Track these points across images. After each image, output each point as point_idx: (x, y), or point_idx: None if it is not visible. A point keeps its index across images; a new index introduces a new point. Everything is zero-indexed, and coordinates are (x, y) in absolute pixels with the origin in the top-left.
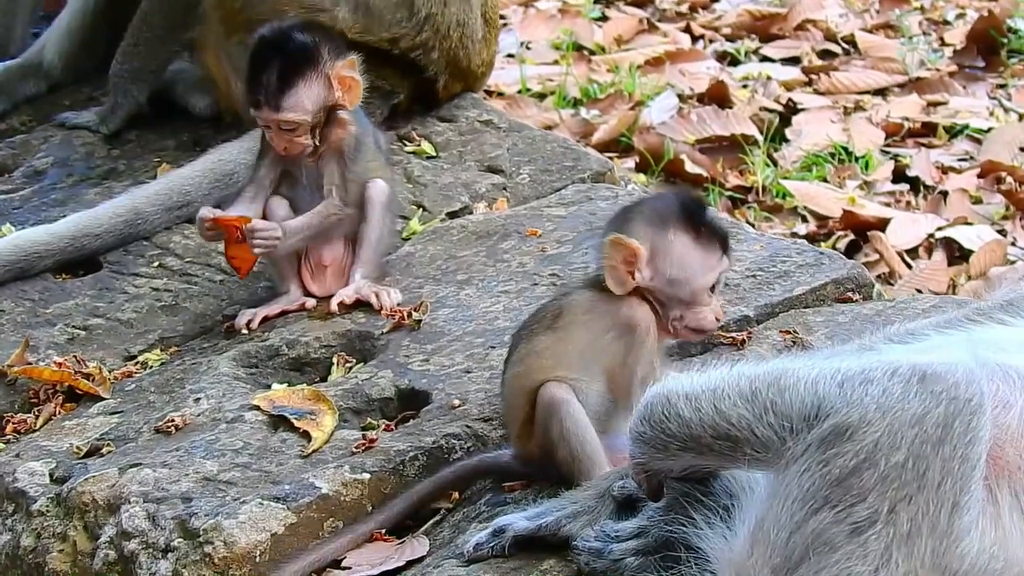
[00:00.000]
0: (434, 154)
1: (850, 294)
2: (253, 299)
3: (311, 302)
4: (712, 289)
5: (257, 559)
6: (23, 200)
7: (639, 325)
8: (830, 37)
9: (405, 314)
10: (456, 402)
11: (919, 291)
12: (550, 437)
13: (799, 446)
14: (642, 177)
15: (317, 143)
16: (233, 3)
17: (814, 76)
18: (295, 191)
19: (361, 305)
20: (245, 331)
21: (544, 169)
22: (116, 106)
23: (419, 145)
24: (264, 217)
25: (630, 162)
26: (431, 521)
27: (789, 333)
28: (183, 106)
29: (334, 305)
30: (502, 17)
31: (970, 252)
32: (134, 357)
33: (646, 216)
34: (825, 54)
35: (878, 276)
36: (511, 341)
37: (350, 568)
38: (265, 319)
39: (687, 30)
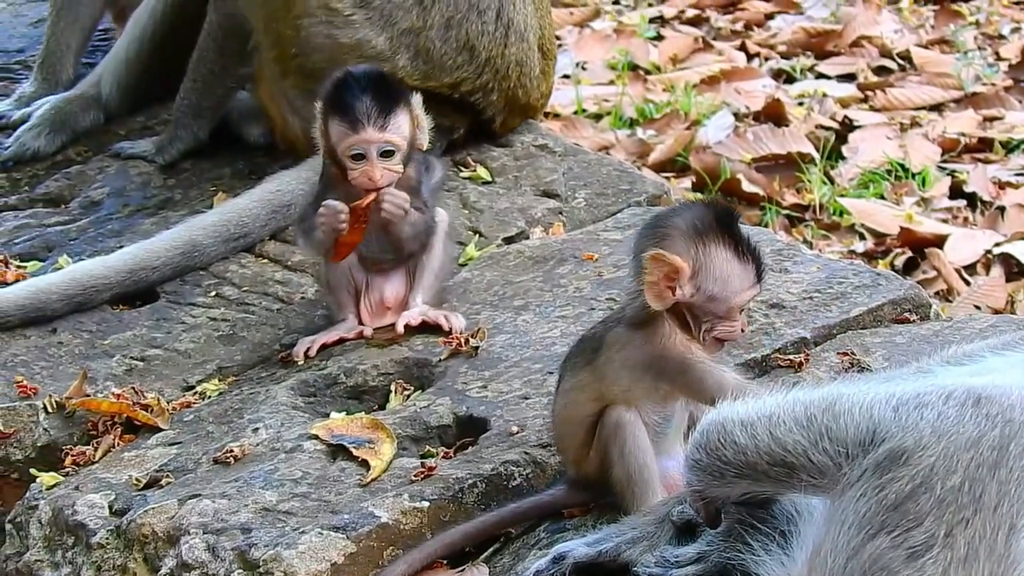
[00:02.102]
0: (490, 179)
1: (907, 315)
2: (310, 328)
3: (368, 330)
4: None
5: None
6: (80, 231)
7: (674, 359)
8: (885, 53)
9: (463, 341)
10: (515, 429)
11: (977, 307)
12: (610, 458)
13: (855, 471)
14: (698, 196)
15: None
16: (288, 48)
17: (870, 93)
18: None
19: (420, 332)
20: (301, 360)
21: (600, 193)
22: (175, 138)
23: (475, 170)
24: None
25: (687, 182)
26: (491, 549)
27: (847, 355)
28: (237, 134)
29: (400, 327)
30: (557, 38)
31: None
32: (192, 387)
33: (685, 230)
34: (880, 70)
35: (936, 293)
36: (559, 370)
37: None
38: (323, 347)
39: (742, 48)
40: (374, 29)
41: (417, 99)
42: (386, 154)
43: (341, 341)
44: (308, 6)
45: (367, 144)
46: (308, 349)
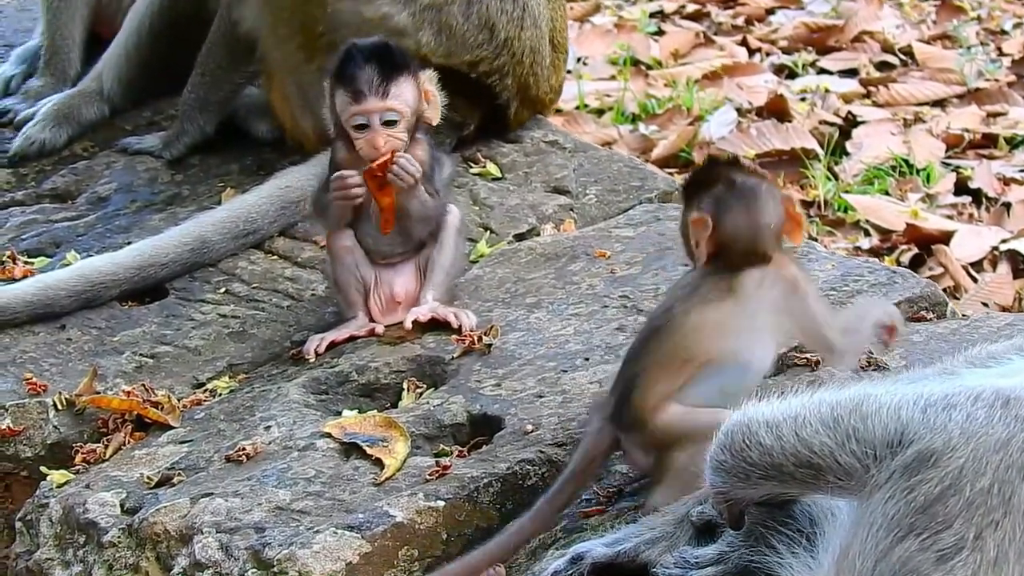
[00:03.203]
0: (500, 175)
1: (924, 313)
2: (321, 325)
3: (380, 328)
4: None
5: None
6: (87, 227)
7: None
8: (887, 48)
9: (476, 338)
10: (529, 427)
11: (985, 304)
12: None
13: (883, 473)
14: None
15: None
16: (316, 27)
17: (872, 88)
18: (359, 221)
19: (431, 329)
20: (312, 358)
21: (611, 189)
22: (182, 132)
23: (484, 167)
24: None
25: None
26: None
27: (864, 353)
28: (245, 130)
29: (408, 323)
30: None
31: None
32: (203, 385)
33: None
34: (883, 66)
35: (943, 289)
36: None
37: None
38: (332, 344)
39: (744, 43)
40: (397, 4)
41: (429, 73)
42: (389, 123)
43: (352, 339)
44: None
45: (369, 113)
46: (317, 346)
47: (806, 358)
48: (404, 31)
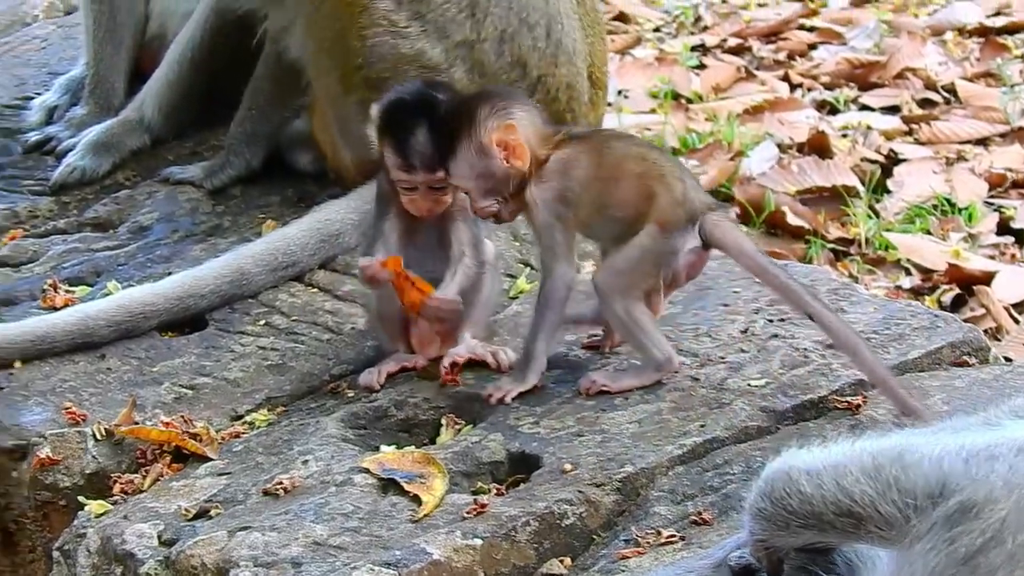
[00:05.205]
0: None
1: (966, 358)
2: (360, 359)
3: (422, 360)
4: None
5: None
6: (128, 256)
7: None
8: (930, 86)
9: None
10: (567, 466)
11: None
12: None
13: (924, 524)
14: (743, 229)
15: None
16: (353, 60)
17: (914, 125)
18: (410, 251)
19: (469, 366)
20: (377, 388)
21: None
22: (227, 164)
23: None
24: None
25: (731, 213)
26: None
27: None
28: (287, 162)
29: (446, 364)
30: None
31: None
32: (241, 417)
33: None
34: (925, 103)
35: (984, 331)
36: None
37: None
38: (388, 376)
39: (785, 78)
40: (430, 40)
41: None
42: (437, 188)
43: (403, 370)
44: (373, 18)
45: (415, 182)
46: (376, 378)
47: (847, 402)
48: (438, 67)
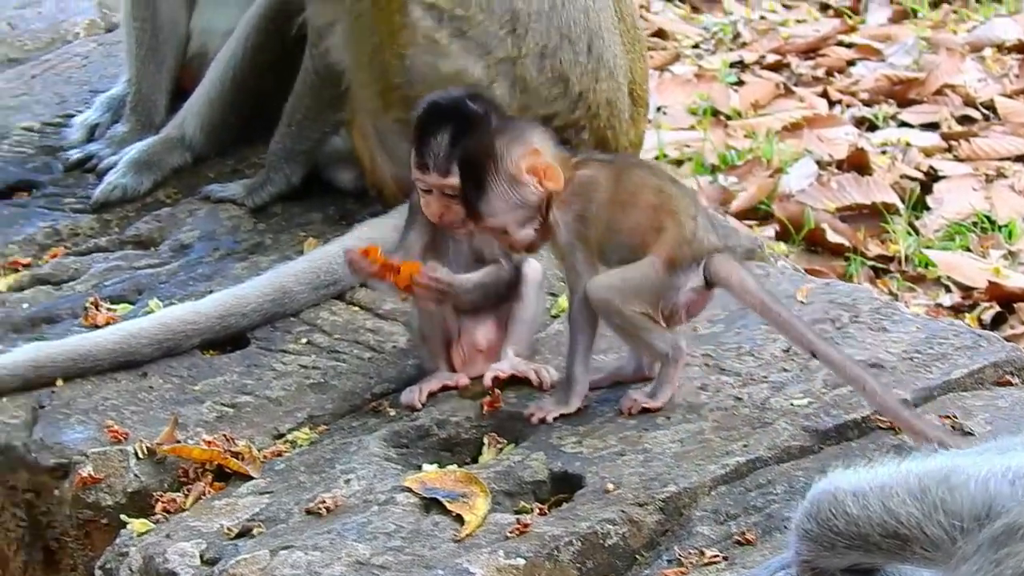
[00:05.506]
0: None
1: (1009, 377)
2: (402, 377)
3: (465, 379)
4: None
5: None
6: (169, 274)
7: None
8: (969, 102)
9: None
10: (610, 486)
11: None
12: None
13: (970, 546)
14: (782, 246)
15: None
16: (392, 79)
17: (954, 142)
18: (439, 263)
19: (511, 384)
20: (419, 406)
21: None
22: (267, 181)
23: None
24: None
25: (769, 230)
26: None
27: (948, 418)
28: (328, 179)
29: (488, 380)
30: None
31: None
32: (283, 435)
33: None
34: (964, 119)
35: None
36: None
37: None
38: (429, 395)
39: (824, 95)
40: (471, 58)
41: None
42: (451, 196)
43: (444, 389)
44: (414, 36)
45: (428, 184)
46: (418, 397)
47: (890, 421)
48: (479, 84)
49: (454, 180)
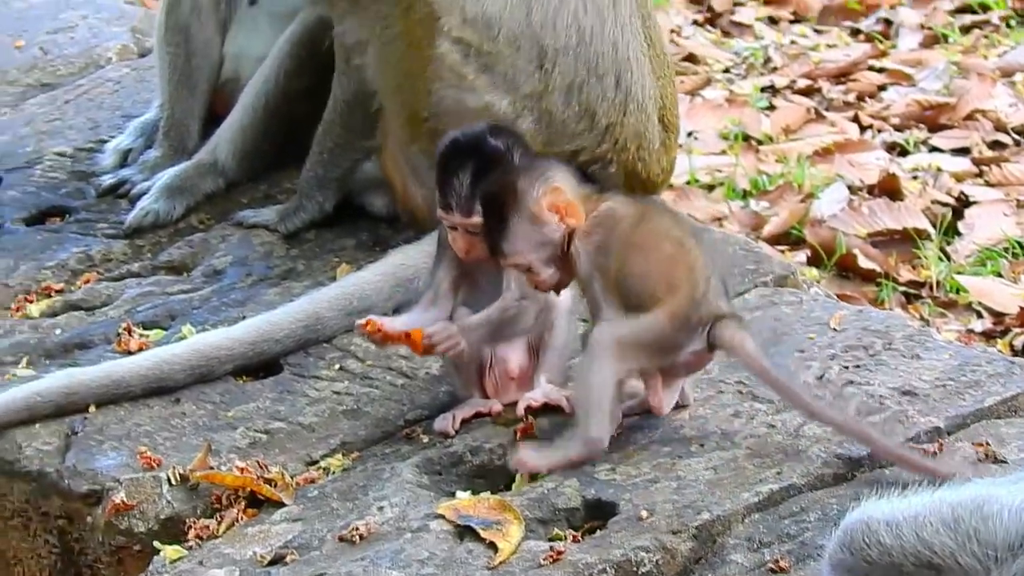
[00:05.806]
0: None
1: None
2: (435, 404)
3: (498, 406)
4: None
5: None
6: (202, 300)
7: None
8: (1000, 127)
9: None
10: (644, 513)
11: None
12: None
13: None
14: (814, 272)
15: None
16: (419, 112)
17: (985, 167)
18: (475, 296)
19: (544, 412)
20: (452, 433)
21: (725, 272)
22: (300, 208)
23: None
24: None
25: (801, 255)
26: None
27: (982, 446)
28: (360, 205)
29: (521, 409)
30: None
31: None
32: (316, 462)
33: None
34: (995, 145)
35: None
36: None
37: None
38: (463, 421)
39: (855, 120)
40: (498, 93)
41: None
42: (476, 233)
43: (478, 416)
44: (440, 70)
45: (455, 223)
46: (452, 424)
47: (923, 449)
48: (505, 119)
49: (477, 219)
